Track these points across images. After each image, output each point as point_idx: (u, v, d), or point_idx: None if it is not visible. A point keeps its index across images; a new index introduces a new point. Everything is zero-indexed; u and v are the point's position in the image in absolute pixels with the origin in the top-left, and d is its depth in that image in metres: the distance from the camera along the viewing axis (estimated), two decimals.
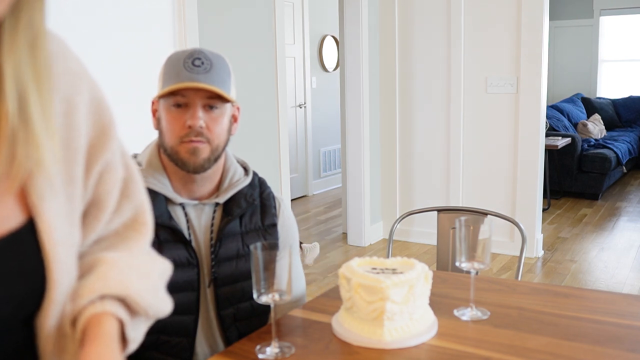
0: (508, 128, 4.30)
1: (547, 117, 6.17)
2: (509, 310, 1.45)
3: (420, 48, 4.55)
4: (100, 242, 0.83)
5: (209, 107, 1.35)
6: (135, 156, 1.46)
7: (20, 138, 0.66)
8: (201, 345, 1.43)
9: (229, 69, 1.39)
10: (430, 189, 4.65)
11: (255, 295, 1.25)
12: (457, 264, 1.44)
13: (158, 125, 1.40)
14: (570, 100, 7.46)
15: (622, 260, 4.24)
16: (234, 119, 1.45)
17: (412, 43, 4.58)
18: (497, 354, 1.22)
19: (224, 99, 1.36)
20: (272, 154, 3.58)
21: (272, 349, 1.26)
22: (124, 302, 0.78)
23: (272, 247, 1.26)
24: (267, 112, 3.51)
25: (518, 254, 2.23)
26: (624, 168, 6.63)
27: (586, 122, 6.86)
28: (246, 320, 1.46)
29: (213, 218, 1.43)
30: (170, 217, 1.38)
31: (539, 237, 4.37)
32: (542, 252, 4.44)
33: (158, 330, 1.31)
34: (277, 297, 1.24)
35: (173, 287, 0.97)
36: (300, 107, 6.35)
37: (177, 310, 1.04)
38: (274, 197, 1.51)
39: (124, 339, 0.79)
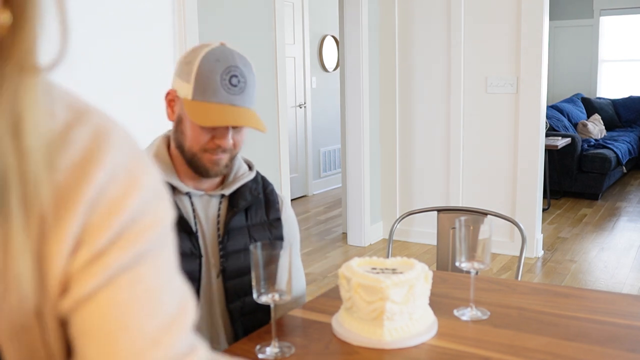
0: (508, 128, 4.30)
1: (547, 117, 6.17)
2: (509, 310, 1.45)
3: (420, 48, 4.55)
4: None
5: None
6: None
7: None
8: (202, 338, 1.43)
9: (255, 77, 1.39)
10: (430, 189, 4.65)
11: (255, 295, 1.25)
12: (457, 264, 1.44)
13: (174, 119, 1.40)
14: (570, 100, 7.46)
15: (622, 260, 4.24)
16: None
17: (412, 43, 4.58)
18: (497, 354, 1.22)
19: None
20: (272, 154, 3.58)
21: (272, 349, 1.26)
22: None
23: (272, 246, 1.26)
24: (267, 112, 3.51)
25: (518, 254, 2.23)
26: (624, 168, 6.63)
27: (586, 122, 6.86)
28: (251, 314, 1.46)
29: (219, 209, 1.44)
30: (177, 207, 1.38)
31: (539, 237, 4.37)
32: (542, 252, 4.44)
33: None
34: (277, 297, 1.25)
35: None
36: (300, 107, 6.35)
37: None
38: (276, 194, 1.55)
39: None
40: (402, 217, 2.27)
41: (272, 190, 1.53)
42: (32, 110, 0.53)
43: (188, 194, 1.41)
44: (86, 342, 0.56)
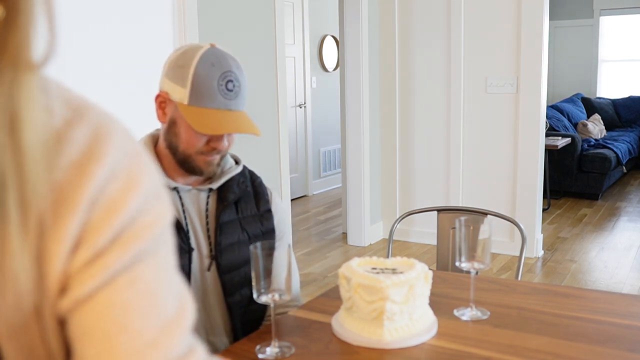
0: (508, 128, 4.30)
1: (547, 117, 6.17)
2: (509, 310, 1.45)
3: (420, 48, 4.55)
4: None
5: None
6: None
7: None
8: (198, 333, 1.43)
9: (245, 78, 1.42)
10: (430, 189, 4.65)
11: (255, 295, 1.25)
12: (457, 264, 1.44)
13: (166, 121, 1.40)
14: (570, 100, 7.46)
15: (622, 260, 4.24)
16: None
17: (412, 43, 4.58)
18: (497, 354, 1.22)
19: None
20: (272, 154, 3.58)
21: (272, 349, 1.26)
22: None
23: (272, 246, 1.26)
24: (267, 112, 3.51)
25: (518, 254, 2.23)
26: (624, 168, 6.63)
27: (586, 122, 6.86)
28: (247, 306, 1.47)
29: (207, 203, 1.45)
30: None
31: (539, 237, 4.37)
32: (542, 252, 4.44)
33: None
34: (277, 296, 1.25)
35: None
36: (300, 107, 6.35)
37: None
38: (265, 186, 1.57)
39: None
40: (402, 217, 2.27)
41: (261, 183, 1.56)
42: (29, 106, 0.51)
43: (176, 189, 1.43)
44: (85, 343, 0.55)
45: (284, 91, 3.59)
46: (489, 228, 1.42)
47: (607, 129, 7.42)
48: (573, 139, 5.95)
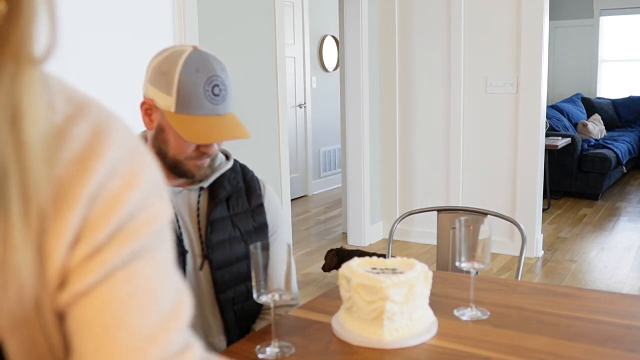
0: (508, 128, 4.30)
1: (547, 117, 6.17)
2: (509, 310, 1.45)
3: (420, 48, 4.55)
4: None
5: None
6: None
7: None
8: (196, 333, 1.43)
9: (230, 78, 1.39)
10: (430, 189, 4.65)
11: (255, 295, 1.25)
12: (457, 264, 1.44)
13: (153, 127, 1.38)
14: (570, 100, 7.46)
15: (622, 260, 4.24)
16: None
17: (412, 43, 4.58)
18: (497, 354, 1.22)
19: None
20: (272, 154, 3.58)
21: (272, 349, 1.26)
22: None
23: (272, 246, 1.26)
24: (267, 112, 3.51)
25: (518, 254, 2.23)
26: (624, 168, 6.63)
27: (586, 122, 6.86)
28: (242, 303, 1.47)
29: (199, 202, 1.45)
30: None
31: (539, 237, 4.37)
32: (542, 252, 4.44)
33: None
34: (276, 296, 1.25)
35: None
36: (300, 107, 6.35)
37: None
38: (257, 180, 1.55)
39: None
40: (402, 217, 2.27)
41: (253, 177, 1.53)
42: (30, 101, 0.52)
43: None
44: (83, 338, 0.56)
45: (284, 91, 3.59)
46: (489, 228, 1.42)
47: (607, 129, 7.42)
48: (573, 139, 5.95)
